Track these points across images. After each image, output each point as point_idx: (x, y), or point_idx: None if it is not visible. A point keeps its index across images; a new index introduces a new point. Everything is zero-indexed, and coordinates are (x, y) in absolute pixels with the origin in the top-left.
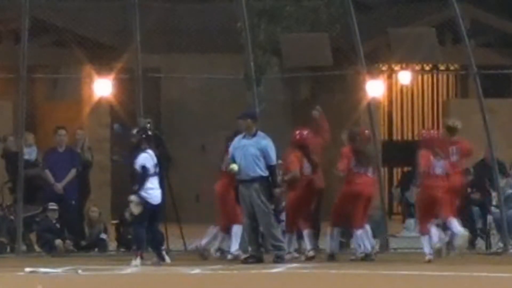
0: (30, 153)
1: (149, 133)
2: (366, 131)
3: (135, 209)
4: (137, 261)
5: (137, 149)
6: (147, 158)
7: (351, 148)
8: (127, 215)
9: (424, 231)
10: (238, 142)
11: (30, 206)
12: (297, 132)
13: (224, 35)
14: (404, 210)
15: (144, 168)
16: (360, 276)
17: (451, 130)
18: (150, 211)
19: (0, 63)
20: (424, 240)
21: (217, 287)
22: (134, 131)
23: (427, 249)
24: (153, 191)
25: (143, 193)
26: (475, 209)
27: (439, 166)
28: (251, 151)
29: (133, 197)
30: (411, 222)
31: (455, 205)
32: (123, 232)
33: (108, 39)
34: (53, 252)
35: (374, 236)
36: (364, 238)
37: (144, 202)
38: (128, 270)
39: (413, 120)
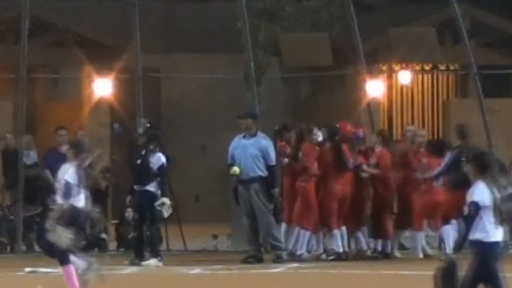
0: (27, 156)
1: (157, 133)
2: None
3: (167, 212)
4: (157, 261)
5: (142, 149)
6: (163, 158)
7: None
8: (162, 214)
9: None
10: (238, 142)
11: (30, 206)
12: None
13: (224, 35)
14: None
15: (163, 168)
16: (360, 276)
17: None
18: None
19: (0, 63)
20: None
21: (217, 287)
22: (140, 131)
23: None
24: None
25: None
26: None
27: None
28: (251, 151)
29: (166, 199)
30: None
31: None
32: (123, 232)
33: (108, 39)
34: None
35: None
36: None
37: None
38: (129, 270)
39: (413, 120)
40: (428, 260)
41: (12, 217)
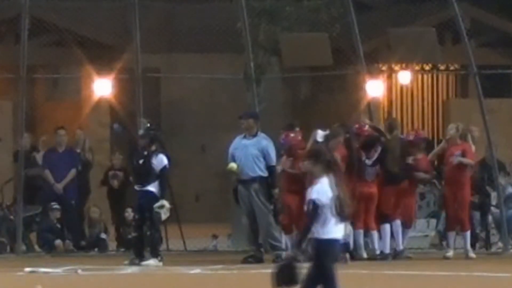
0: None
1: (159, 134)
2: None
3: (165, 215)
4: (157, 261)
5: (144, 149)
6: (165, 160)
7: None
8: (160, 216)
9: None
10: (239, 142)
11: (30, 206)
12: None
13: (224, 35)
14: None
15: (165, 169)
16: (360, 276)
17: None
18: None
19: (0, 63)
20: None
21: (217, 287)
22: (141, 132)
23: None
24: None
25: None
26: (475, 213)
27: None
28: (251, 151)
29: (165, 202)
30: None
31: None
32: (123, 232)
33: (108, 39)
34: (53, 252)
35: None
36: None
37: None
38: (129, 270)
39: (413, 120)
40: (429, 260)
41: (12, 217)
